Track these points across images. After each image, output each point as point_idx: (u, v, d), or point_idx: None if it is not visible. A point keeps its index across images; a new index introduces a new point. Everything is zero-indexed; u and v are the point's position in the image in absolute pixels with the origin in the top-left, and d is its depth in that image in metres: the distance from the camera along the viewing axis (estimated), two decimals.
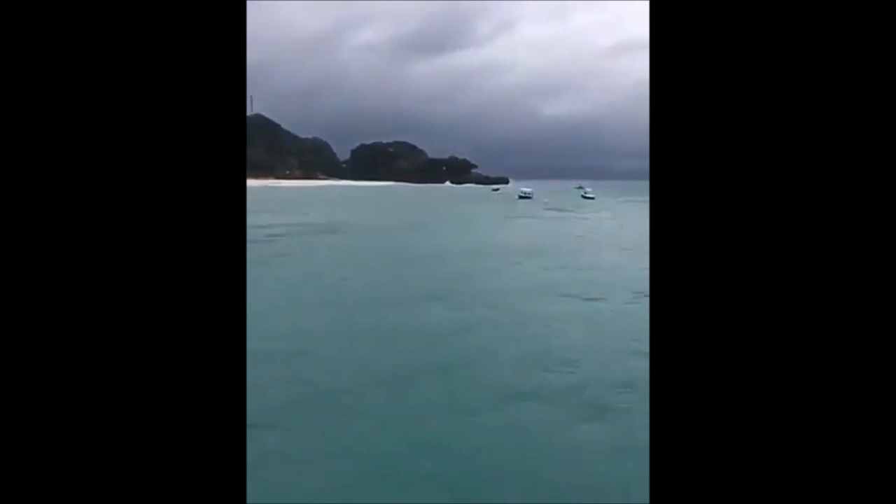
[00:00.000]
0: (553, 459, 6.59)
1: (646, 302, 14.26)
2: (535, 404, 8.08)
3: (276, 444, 6.76)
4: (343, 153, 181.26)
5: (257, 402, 6.24)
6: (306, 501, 5.55)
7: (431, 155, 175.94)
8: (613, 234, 33.64)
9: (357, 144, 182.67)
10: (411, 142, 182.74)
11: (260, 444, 6.01)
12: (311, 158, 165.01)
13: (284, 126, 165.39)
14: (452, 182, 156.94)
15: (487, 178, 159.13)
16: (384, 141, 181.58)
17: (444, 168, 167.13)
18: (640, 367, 9.78)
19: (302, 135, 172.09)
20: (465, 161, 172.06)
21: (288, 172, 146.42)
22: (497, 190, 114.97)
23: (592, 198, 77.43)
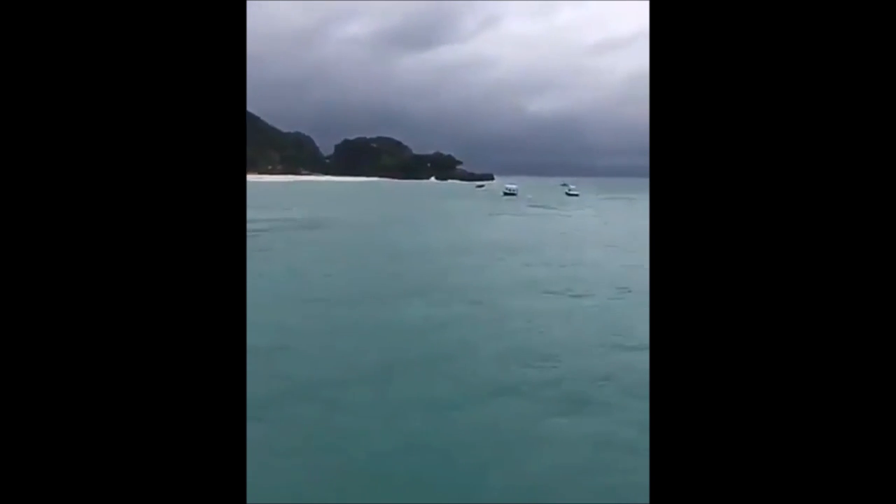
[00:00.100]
0: (532, 453, 6.65)
1: (628, 298, 14.54)
2: (516, 399, 8.14)
3: (257, 439, 6.73)
4: (327, 148, 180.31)
5: None
6: (306, 501, 5.54)
7: (416, 151, 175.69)
8: (597, 231, 33.91)
9: (341, 140, 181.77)
10: (395, 137, 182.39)
11: None
12: (294, 153, 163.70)
13: (266, 120, 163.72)
14: (437, 178, 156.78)
15: (472, 174, 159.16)
16: (368, 136, 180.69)
17: (429, 164, 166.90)
18: (622, 360, 9.91)
19: (285, 129, 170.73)
20: (449, 157, 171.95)
21: (270, 167, 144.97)
22: (482, 186, 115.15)
23: (577, 195, 77.81)
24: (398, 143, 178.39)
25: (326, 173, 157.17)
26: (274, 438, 6.64)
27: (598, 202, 65.25)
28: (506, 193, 77.11)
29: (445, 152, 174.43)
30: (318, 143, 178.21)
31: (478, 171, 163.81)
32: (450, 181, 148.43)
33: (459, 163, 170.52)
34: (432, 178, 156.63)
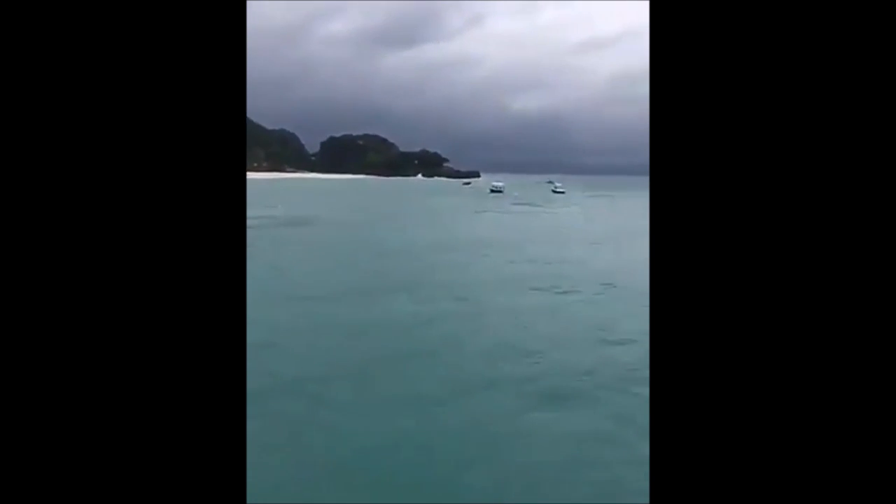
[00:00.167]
0: (515, 448, 6.68)
1: (612, 294, 14.63)
2: (500, 394, 8.17)
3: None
4: (312, 146, 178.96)
5: None
6: (305, 501, 5.51)
7: (402, 148, 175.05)
8: (582, 228, 34.07)
9: (326, 137, 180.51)
10: (382, 135, 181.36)
11: None
12: (279, 151, 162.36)
13: (251, 118, 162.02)
14: (423, 175, 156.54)
15: (458, 171, 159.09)
16: (354, 134, 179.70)
17: (416, 161, 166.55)
18: (605, 355, 9.99)
19: (269, 126, 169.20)
20: (436, 154, 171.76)
21: (255, 165, 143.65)
22: (468, 184, 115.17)
23: (563, 192, 78.12)
24: (384, 141, 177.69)
25: (312, 170, 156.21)
26: (258, 435, 6.60)
27: (584, 200, 65.58)
28: (492, 191, 77.22)
29: (432, 150, 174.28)
30: (303, 141, 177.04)
31: (464, 169, 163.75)
32: (436, 178, 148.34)
33: (446, 160, 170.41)
34: (419, 176, 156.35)
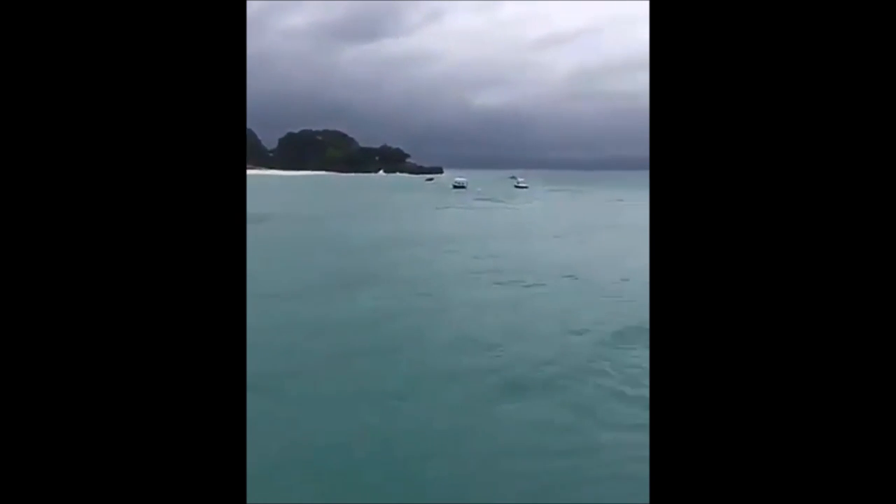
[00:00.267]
0: (478, 439, 6.68)
1: (574, 286, 14.81)
2: (463, 387, 8.18)
3: None
4: (270, 142, 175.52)
5: None
6: (306, 501, 5.43)
7: (363, 144, 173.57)
8: (545, 222, 34.45)
9: (285, 132, 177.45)
10: (341, 130, 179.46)
11: None
12: None
13: None
14: (385, 171, 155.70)
15: (421, 167, 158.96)
16: (313, 129, 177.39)
17: (377, 157, 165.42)
18: (567, 346, 10.06)
19: None
20: (397, 150, 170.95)
21: None
22: (431, 180, 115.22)
23: (526, 187, 78.91)
24: (344, 136, 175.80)
25: (270, 167, 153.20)
26: None
27: (546, 194, 66.40)
28: (455, 186, 77.41)
29: (393, 145, 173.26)
30: (260, 137, 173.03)
31: (427, 165, 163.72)
32: (398, 174, 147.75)
33: (408, 156, 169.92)
34: (381, 172, 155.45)
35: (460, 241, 24.34)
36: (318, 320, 11.60)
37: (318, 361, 9.14)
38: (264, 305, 12.81)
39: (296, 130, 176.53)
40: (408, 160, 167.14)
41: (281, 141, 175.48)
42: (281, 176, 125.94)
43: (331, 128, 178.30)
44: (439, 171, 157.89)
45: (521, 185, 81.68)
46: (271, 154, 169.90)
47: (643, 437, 7.49)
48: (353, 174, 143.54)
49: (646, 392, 7.85)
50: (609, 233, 28.12)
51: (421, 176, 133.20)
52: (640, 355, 9.30)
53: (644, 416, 7.22)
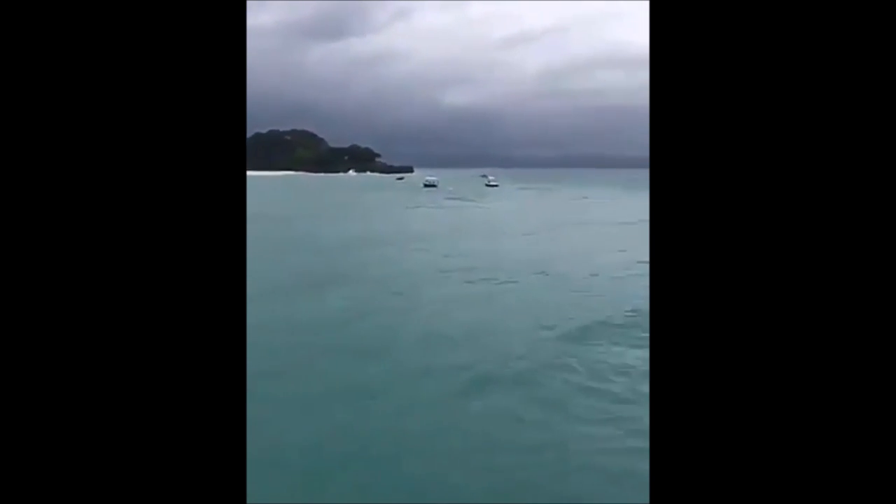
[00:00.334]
0: (451, 434, 6.75)
1: (545, 282, 14.98)
2: (435, 383, 8.21)
3: None
4: None
5: None
6: (306, 501, 5.40)
7: (332, 143, 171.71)
8: (516, 220, 34.70)
9: (252, 132, 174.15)
10: (310, 130, 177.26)
11: None
12: None
13: None
14: (355, 171, 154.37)
15: (391, 167, 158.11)
16: (281, 129, 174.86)
17: (346, 157, 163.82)
18: (541, 339, 10.20)
19: None
20: (367, 150, 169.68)
21: None
22: (402, 179, 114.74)
23: (496, 185, 79.18)
24: (313, 136, 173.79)
25: None
26: None
27: (516, 193, 66.81)
28: (426, 185, 77.25)
29: (363, 145, 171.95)
30: None
31: (397, 164, 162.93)
32: (369, 174, 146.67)
33: (378, 155, 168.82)
34: (351, 172, 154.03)
35: (431, 239, 24.36)
36: (287, 320, 11.48)
37: (289, 361, 9.06)
38: None
39: (263, 131, 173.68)
40: (378, 159, 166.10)
41: (248, 141, 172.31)
42: (250, 176, 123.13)
43: (299, 127, 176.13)
44: (410, 170, 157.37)
45: (491, 183, 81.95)
46: None
47: (611, 431, 7.63)
48: (322, 174, 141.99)
49: (611, 386, 8.05)
50: (577, 230, 28.52)
51: (391, 175, 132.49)
52: (606, 350, 9.52)
53: (611, 410, 7.40)
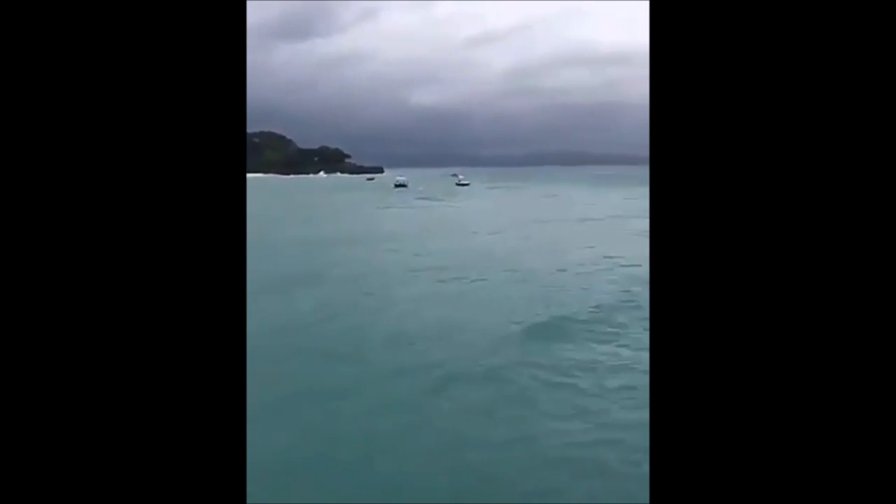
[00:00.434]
0: (421, 432, 6.79)
1: (514, 278, 15.09)
2: (406, 382, 8.24)
3: None
4: None
5: None
6: (305, 501, 5.37)
7: (301, 145, 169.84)
8: (485, 219, 34.90)
9: None
10: (278, 132, 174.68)
11: None
12: None
13: None
14: (325, 172, 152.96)
15: (362, 167, 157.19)
16: (249, 131, 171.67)
17: (316, 158, 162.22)
18: (510, 335, 10.34)
19: None
20: (337, 151, 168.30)
21: None
22: (372, 179, 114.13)
23: (467, 184, 79.40)
24: (282, 138, 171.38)
25: None
26: None
27: (486, 192, 67.07)
28: (397, 185, 77.04)
29: (332, 146, 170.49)
30: None
31: (367, 164, 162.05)
32: (339, 175, 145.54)
33: (348, 156, 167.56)
34: (321, 173, 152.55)
35: (402, 239, 24.35)
36: (257, 321, 11.40)
37: (259, 362, 9.01)
38: None
39: None
40: (348, 160, 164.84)
41: None
42: None
43: (267, 129, 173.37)
44: (380, 170, 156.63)
45: (462, 182, 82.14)
46: None
47: (578, 426, 7.72)
48: (292, 176, 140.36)
49: (578, 381, 8.23)
50: (546, 227, 28.87)
51: (362, 176, 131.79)
52: (573, 347, 9.71)
53: (577, 404, 7.58)
